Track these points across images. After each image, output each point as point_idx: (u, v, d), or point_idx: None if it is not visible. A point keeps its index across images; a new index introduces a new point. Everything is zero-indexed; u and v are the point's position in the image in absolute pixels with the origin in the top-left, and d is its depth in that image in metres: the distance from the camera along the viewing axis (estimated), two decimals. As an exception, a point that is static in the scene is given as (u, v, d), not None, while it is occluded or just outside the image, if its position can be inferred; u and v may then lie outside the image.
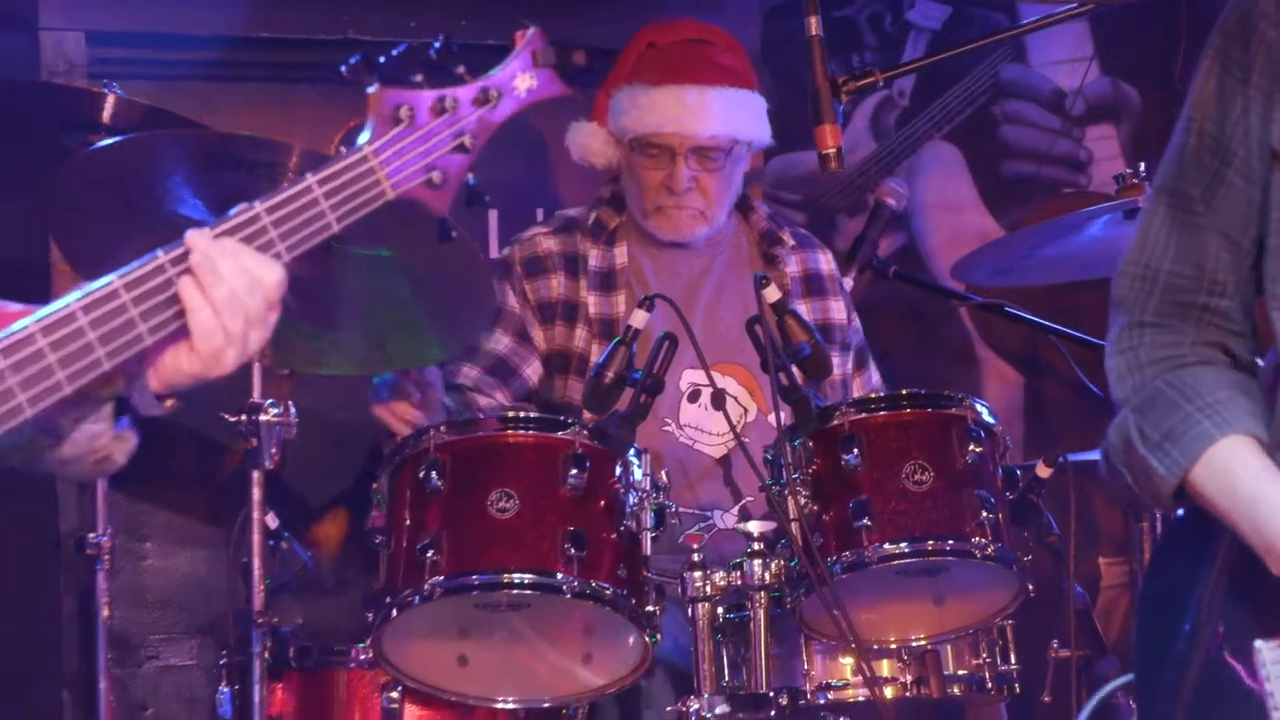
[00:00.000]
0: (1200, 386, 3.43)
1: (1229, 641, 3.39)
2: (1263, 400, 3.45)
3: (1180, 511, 3.52)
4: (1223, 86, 3.46)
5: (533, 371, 6.15)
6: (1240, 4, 3.46)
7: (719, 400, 5.81)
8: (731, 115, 6.09)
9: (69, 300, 3.05)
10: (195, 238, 3.12)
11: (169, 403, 3.26)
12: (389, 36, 6.85)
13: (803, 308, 6.03)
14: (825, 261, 6.28)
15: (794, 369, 5.49)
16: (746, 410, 5.96)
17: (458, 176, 3.34)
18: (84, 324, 3.05)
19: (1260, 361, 3.54)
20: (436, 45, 3.31)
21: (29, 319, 3.04)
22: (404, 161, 3.29)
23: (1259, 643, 3.32)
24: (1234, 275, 3.46)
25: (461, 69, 3.35)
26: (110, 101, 5.62)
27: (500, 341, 6.16)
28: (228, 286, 3.12)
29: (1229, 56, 3.46)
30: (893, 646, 5.50)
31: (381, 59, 3.32)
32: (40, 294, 3.27)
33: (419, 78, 3.32)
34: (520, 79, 3.40)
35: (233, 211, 3.18)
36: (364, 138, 3.28)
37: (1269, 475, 3.32)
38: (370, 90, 3.29)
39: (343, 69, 3.31)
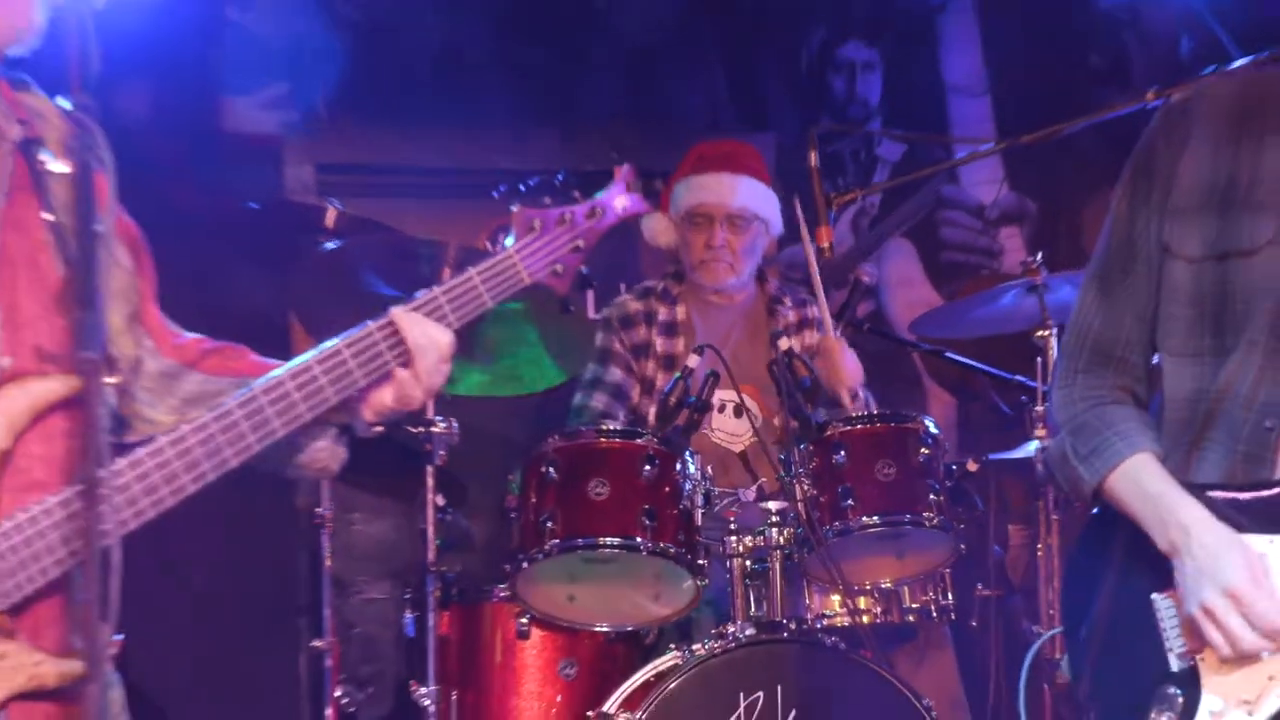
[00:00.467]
0: (1115, 419, 3.33)
1: (1132, 598, 3.27)
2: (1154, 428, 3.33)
3: (1095, 510, 3.38)
4: (1133, 204, 3.36)
5: (636, 395, 6.21)
6: (1144, 147, 3.37)
7: (740, 411, 6.05)
8: (754, 196, 6.13)
9: (308, 356, 3.10)
10: (395, 312, 3.15)
11: (376, 427, 3.32)
12: (527, 166, 6.78)
13: (796, 342, 6.08)
14: (813, 310, 6.27)
15: (799, 395, 5.55)
16: (757, 416, 6.01)
17: (573, 268, 3.36)
18: (318, 372, 3.09)
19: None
20: (560, 177, 3.42)
21: (281, 369, 3.11)
22: (536, 259, 3.31)
23: (1155, 595, 3.23)
24: (1139, 337, 3.36)
25: (576, 193, 3.38)
26: (331, 214, 5.68)
27: (615, 374, 6.21)
28: (418, 341, 3.14)
29: (1137, 183, 3.36)
30: (868, 587, 5.65)
31: (522, 186, 3.42)
32: (281, 350, 3.32)
33: (547, 200, 3.34)
34: (618, 200, 3.41)
35: (420, 294, 3.20)
36: (509, 241, 3.32)
37: (1166, 479, 3.21)
38: (514, 209, 3.32)
39: (494, 194, 3.39)
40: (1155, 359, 3.41)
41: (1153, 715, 3.19)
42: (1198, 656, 3.20)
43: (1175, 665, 3.21)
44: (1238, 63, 3.52)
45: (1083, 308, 3.45)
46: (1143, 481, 3.26)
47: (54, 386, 2.92)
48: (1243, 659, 3.13)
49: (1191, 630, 3.19)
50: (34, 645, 2.90)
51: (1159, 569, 3.24)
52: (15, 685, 2.88)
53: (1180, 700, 3.19)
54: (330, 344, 3.11)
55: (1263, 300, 3.18)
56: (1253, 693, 3.15)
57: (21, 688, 2.89)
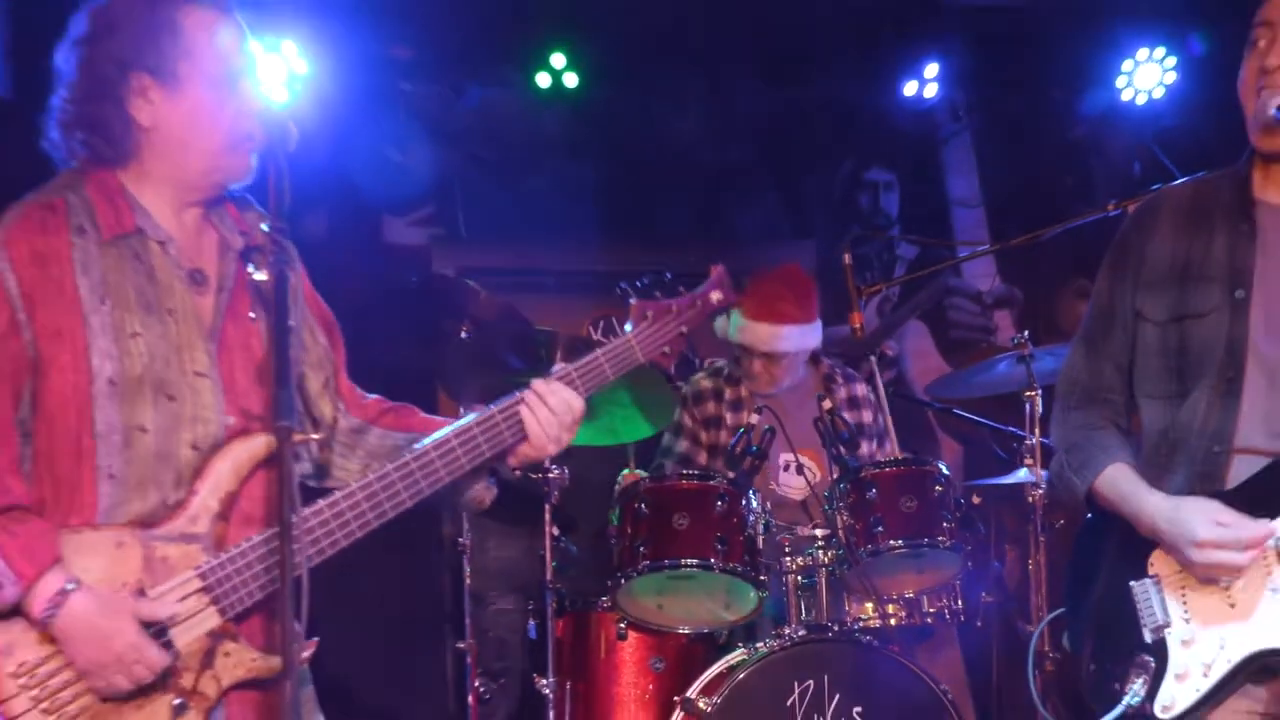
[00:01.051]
0: (1099, 440, 3.38)
1: (1115, 587, 3.32)
2: (1132, 450, 3.40)
3: (1089, 515, 3.43)
4: (1111, 282, 3.44)
5: (704, 459, 6.04)
6: (1120, 239, 3.45)
7: (800, 469, 5.94)
8: (795, 340, 5.93)
9: (469, 419, 3.12)
10: (537, 383, 3.16)
11: (517, 472, 3.30)
12: (616, 269, 6.82)
13: (849, 415, 5.93)
14: (861, 388, 6.15)
15: (840, 445, 5.52)
16: (815, 473, 5.94)
17: (678, 349, 3.34)
18: (476, 432, 3.11)
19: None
20: (668, 276, 3.36)
21: (447, 429, 3.12)
22: (649, 342, 3.29)
23: (1132, 583, 3.28)
24: (1118, 383, 3.42)
25: (681, 288, 3.36)
26: (482, 297, 5.66)
27: (683, 445, 6.11)
28: (555, 407, 3.14)
29: (1116, 261, 3.43)
30: (894, 597, 5.52)
31: (638, 283, 3.37)
32: (429, 406, 3.37)
33: (658, 294, 3.34)
34: (713, 294, 3.38)
35: (557, 369, 3.22)
36: (629, 328, 3.29)
37: (1135, 480, 3.27)
38: (631, 302, 3.31)
39: (618, 289, 3.37)
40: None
41: (1131, 676, 3.24)
42: (1165, 631, 3.23)
43: (1149, 638, 3.25)
44: (1183, 179, 3.54)
45: (1073, 361, 3.51)
46: (1119, 484, 3.31)
47: (268, 441, 2.96)
48: (1197, 639, 3.18)
49: (1162, 609, 3.24)
50: (250, 645, 2.96)
51: (1135, 563, 3.30)
52: (237, 676, 2.94)
53: (1152, 665, 3.23)
54: (487, 410, 3.13)
55: (1212, 353, 3.24)
56: (1209, 659, 3.18)
57: (241, 678, 2.95)
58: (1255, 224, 3.28)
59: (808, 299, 6.07)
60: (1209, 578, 3.18)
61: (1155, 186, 3.58)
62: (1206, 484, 3.24)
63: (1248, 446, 3.22)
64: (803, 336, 6.02)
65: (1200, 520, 3.15)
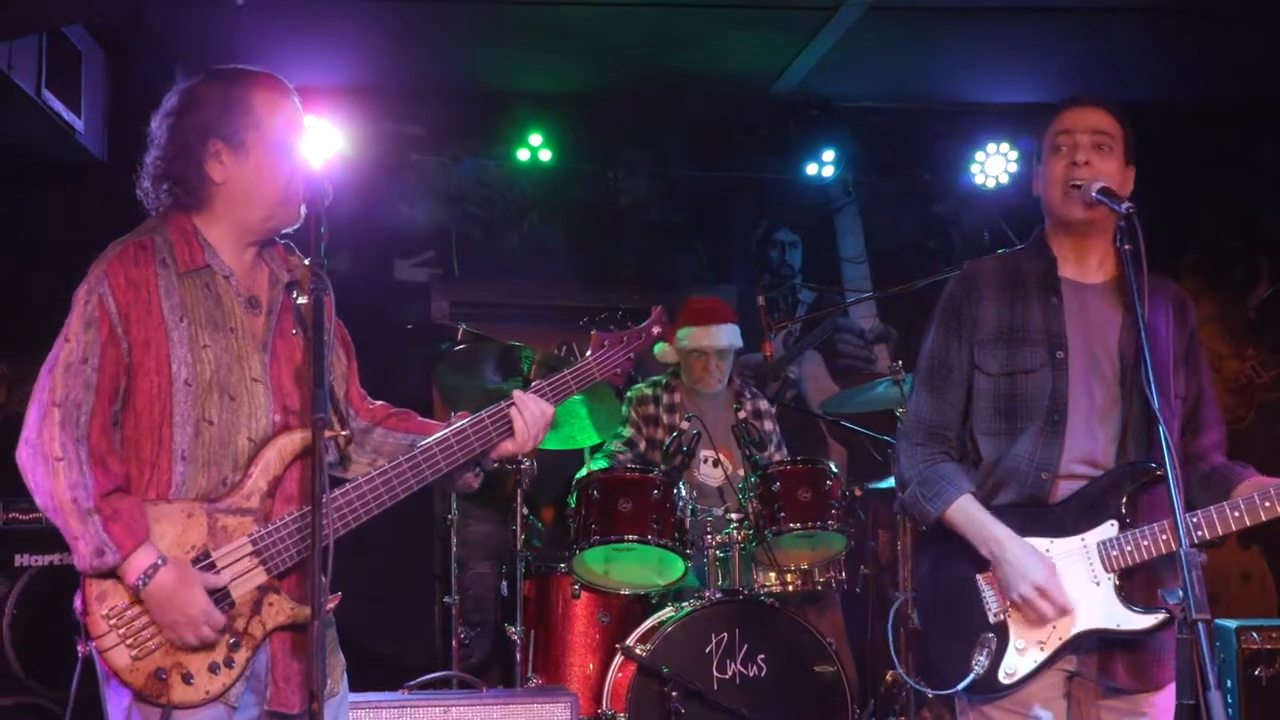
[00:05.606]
0: (946, 473, 3.29)
1: (956, 578, 3.28)
2: (969, 476, 3.30)
3: (928, 528, 3.37)
4: (947, 337, 3.36)
5: (644, 447, 5.99)
6: (948, 301, 3.39)
7: (716, 463, 5.97)
8: (730, 336, 5.98)
9: (463, 424, 3.10)
10: (517, 394, 3.15)
11: (495, 464, 3.28)
12: (576, 304, 6.82)
13: (756, 424, 5.90)
14: (764, 404, 6.17)
15: (751, 447, 5.53)
16: (729, 467, 5.94)
17: (627, 370, 3.32)
18: (470, 432, 3.10)
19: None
20: (620, 312, 3.34)
21: (445, 430, 3.11)
22: (605, 365, 3.28)
23: (978, 576, 3.24)
24: (955, 422, 3.35)
25: (630, 323, 3.34)
26: (460, 331, 5.57)
27: (629, 432, 6.03)
28: (531, 415, 3.13)
29: (949, 323, 3.37)
30: (792, 568, 5.53)
31: (597, 319, 3.35)
32: (427, 413, 3.34)
33: (612, 326, 3.33)
34: (654, 329, 3.36)
35: (534, 384, 3.21)
36: (589, 353, 3.29)
37: (982, 510, 3.20)
38: (592, 333, 3.31)
39: (580, 323, 3.36)
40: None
41: (975, 651, 3.21)
42: (1006, 614, 3.22)
43: (992, 619, 3.23)
44: (986, 257, 3.51)
45: (918, 404, 3.42)
46: (968, 511, 3.24)
47: (305, 436, 2.96)
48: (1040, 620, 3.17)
49: (1003, 598, 3.21)
50: (289, 597, 2.95)
51: (972, 560, 3.24)
52: (278, 620, 2.93)
53: (994, 641, 3.21)
54: (477, 415, 3.12)
55: (1040, 400, 3.24)
56: (1044, 637, 3.18)
57: (281, 622, 2.94)
58: (1061, 297, 3.29)
59: (726, 310, 6.11)
60: (1008, 604, 3.19)
61: (1019, 246, 3.53)
62: (1035, 501, 3.22)
63: (1069, 473, 3.23)
64: (730, 334, 6.05)
65: (1037, 568, 3.13)
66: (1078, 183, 3.21)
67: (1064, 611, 3.15)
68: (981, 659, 3.19)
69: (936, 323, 3.43)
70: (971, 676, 3.19)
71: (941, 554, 3.35)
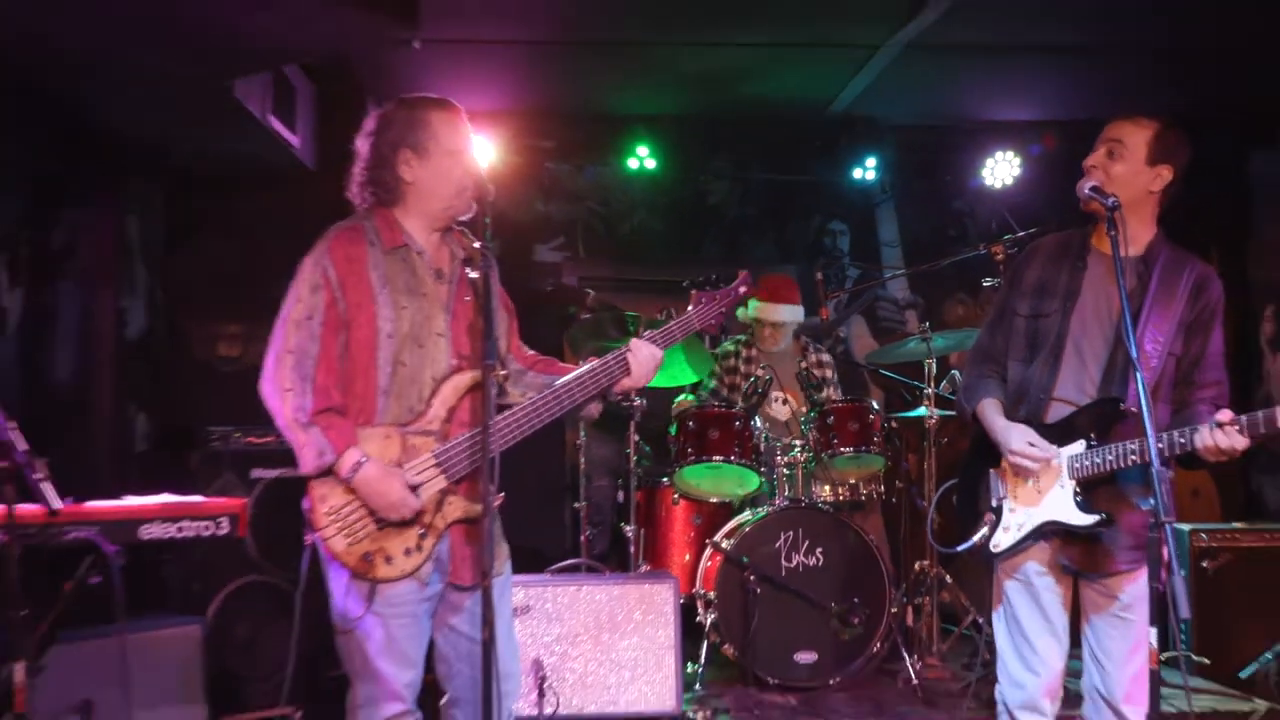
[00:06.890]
0: (985, 384, 3.31)
1: (983, 471, 3.32)
2: (1002, 392, 3.31)
3: (967, 421, 3.39)
4: (1006, 289, 3.38)
5: (727, 392, 5.88)
6: (1016, 263, 3.40)
7: (785, 402, 5.88)
8: (787, 314, 5.88)
9: (590, 365, 3.08)
10: (634, 341, 3.12)
11: (616, 398, 3.26)
12: (677, 277, 6.64)
13: (816, 372, 5.84)
14: (826, 356, 6.03)
15: (811, 389, 5.48)
16: (794, 405, 5.90)
17: (720, 321, 3.23)
18: (599, 369, 3.07)
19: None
20: (714, 276, 3.30)
21: (577, 370, 3.09)
22: (703, 317, 3.21)
23: (990, 470, 3.30)
24: (1003, 352, 3.33)
25: (721, 284, 3.25)
26: (590, 297, 5.61)
27: (714, 383, 5.95)
28: (644, 356, 3.09)
29: (1009, 279, 3.39)
30: (843, 483, 5.49)
31: (694, 281, 3.30)
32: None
33: (707, 286, 3.25)
34: (741, 288, 3.25)
35: (645, 333, 3.14)
36: (690, 307, 3.22)
37: (998, 411, 3.24)
38: (691, 291, 3.24)
39: (683, 284, 3.31)
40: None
41: (983, 523, 3.28)
42: (1003, 501, 3.27)
43: (994, 504, 3.30)
44: (1054, 233, 3.45)
45: (981, 335, 3.43)
46: (989, 410, 3.28)
47: (475, 375, 2.97)
48: (1016, 509, 3.21)
49: (1006, 485, 3.27)
50: (464, 498, 2.97)
51: (993, 458, 3.29)
52: (455, 516, 2.96)
53: (994, 520, 3.27)
54: (601, 360, 3.10)
55: (1048, 337, 3.24)
56: (1021, 522, 3.22)
57: (458, 517, 2.96)
58: (1087, 264, 3.28)
59: (793, 292, 6.01)
60: (1018, 471, 3.22)
61: (1020, 234, 3.49)
62: (1035, 419, 3.21)
63: (1061, 397, 3.20)
64: (791, 312, 5.96)
65: (1017, 438, 3.17)
66: (1083, 183, 3.19)
67: (1033, 457, 3.15)
68: (985, 530, 3.27)
69: (1004, 279, 3.49)
70: (970, 542, 3.29)
71: (975, 446, 3.37)
